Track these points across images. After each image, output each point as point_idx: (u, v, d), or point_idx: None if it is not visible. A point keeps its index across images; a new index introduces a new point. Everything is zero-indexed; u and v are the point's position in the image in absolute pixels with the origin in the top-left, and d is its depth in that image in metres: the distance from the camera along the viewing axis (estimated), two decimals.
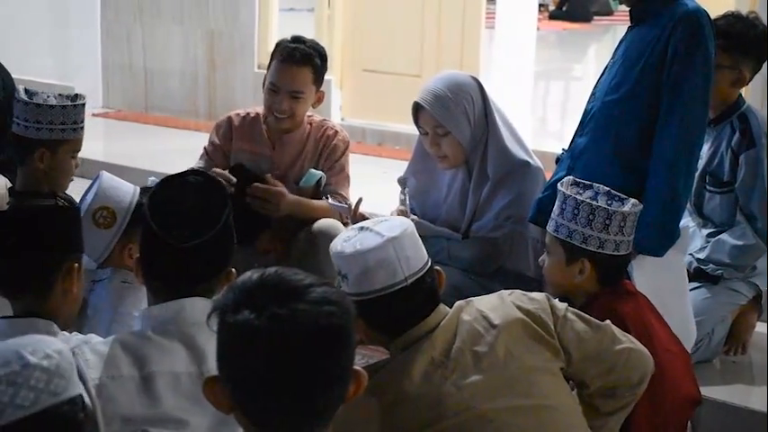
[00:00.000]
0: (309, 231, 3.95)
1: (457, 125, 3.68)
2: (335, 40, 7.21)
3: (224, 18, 7.57)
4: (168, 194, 2.35)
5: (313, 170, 4.08)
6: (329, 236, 3.46)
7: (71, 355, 1.73)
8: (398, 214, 3.63)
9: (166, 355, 2.26)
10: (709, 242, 3.92)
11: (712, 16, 3.42)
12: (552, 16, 14.68)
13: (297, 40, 4.08)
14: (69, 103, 3.71)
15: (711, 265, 3.89)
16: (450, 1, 6.91)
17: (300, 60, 3.99)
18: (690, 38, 3.26)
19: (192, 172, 2.51)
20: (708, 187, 3.91)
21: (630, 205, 2.92)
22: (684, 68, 3.25)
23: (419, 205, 3.89)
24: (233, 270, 2.36)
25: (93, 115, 7.37)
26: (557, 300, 2.59)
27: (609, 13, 14.56)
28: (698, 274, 3.88)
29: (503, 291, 2.55)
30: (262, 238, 4.05)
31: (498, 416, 2.35)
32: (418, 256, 2.43)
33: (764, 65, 3.97)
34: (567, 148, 3.61)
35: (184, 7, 7.75)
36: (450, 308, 2.48)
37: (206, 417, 2.21)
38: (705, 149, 3.80)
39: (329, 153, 4.11)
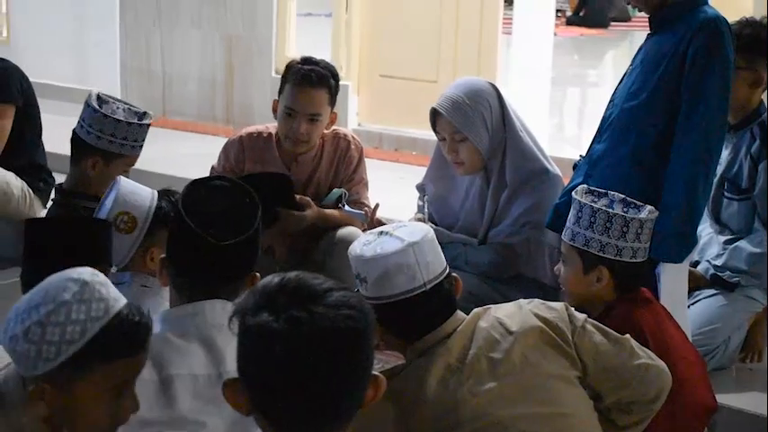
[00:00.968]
0: (332, 238, 3.94)
1: (474, 131, 3.68)
2: (353, 45, 7.22)
3: (242, 23, 7.59)
4: (200, 195, 2.38)
5: (336, 189, 4.04)
6: (351, 243, 3.46)
7: (97, 276, 1.88)
8: (416, 221, 3.63)
9: (185, 356, 2.28)
10: (726, 249, 3.91)
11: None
12: (569, 22, 14.67)
13: (308, 61, 3.99)
14: (135, 121, 3.74)
15: (728, 272, 3.88)
16: (468, 7, 6.91)
17: (317, 82, 3.92)
18: (709, 45, 3.26)
19: (217, 177, 2.56)
20: (726, 194, 3.91)
21: (647, 212, 2.92)
22: (703, 75, 3.25)
23: (437, 211, 3.90)
24: (257, 274, 2.38)
25: None
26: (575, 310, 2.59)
27: (626, 19, 14.51)
28: (715, 281, 3.88)
29: (521, 299, 2.54)
30: (265, 233, 4.04)
31: (514, 423, 2.35)
32: (437, 262, 2.44)
33: None
34: (584, 154, 3.61)
35: (203, 12, 7.78)
36: (467, 314, 2.48)
37: (223, 418, 2.22)
38: (724, 156, 3.79)
39: (346, 166, 4.08)
